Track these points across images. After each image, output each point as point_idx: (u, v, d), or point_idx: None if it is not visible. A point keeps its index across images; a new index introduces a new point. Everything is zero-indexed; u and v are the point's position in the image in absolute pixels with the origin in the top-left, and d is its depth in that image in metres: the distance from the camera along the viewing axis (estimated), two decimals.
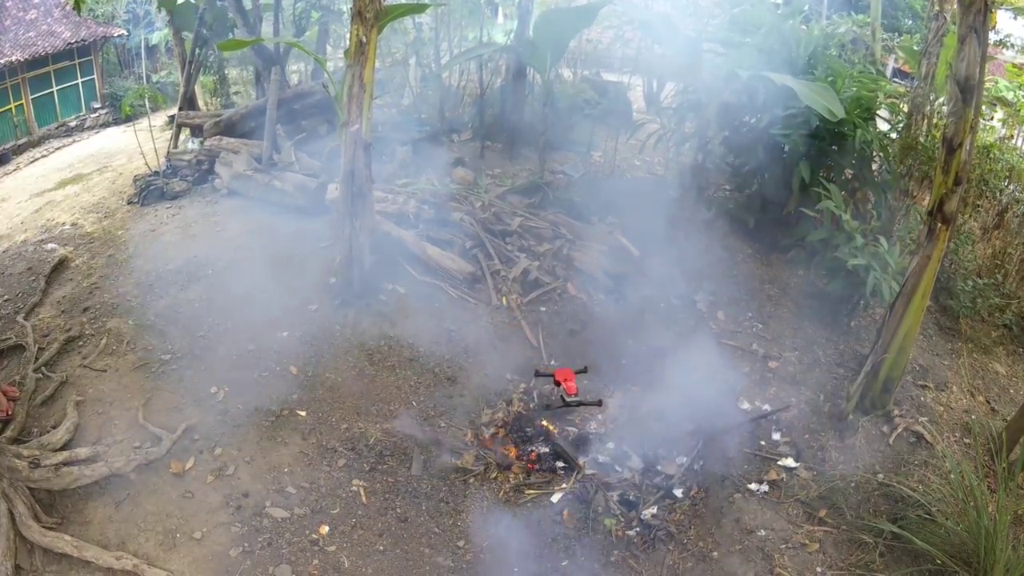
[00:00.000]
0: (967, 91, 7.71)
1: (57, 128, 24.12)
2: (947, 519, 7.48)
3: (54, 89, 24.04)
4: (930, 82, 12.07)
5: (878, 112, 12.46)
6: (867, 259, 9.95)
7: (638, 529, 8.44)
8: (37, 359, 9.66)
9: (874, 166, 12.12)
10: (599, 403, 9.73)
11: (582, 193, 14.31)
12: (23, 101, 22.96)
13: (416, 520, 8.31)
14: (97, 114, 25.26)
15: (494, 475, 9.09)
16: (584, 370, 10.15)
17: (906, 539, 7.48)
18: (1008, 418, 9.44)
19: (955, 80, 7.76)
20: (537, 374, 10.18)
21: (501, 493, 8.84)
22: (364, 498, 8.45)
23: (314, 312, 10.65)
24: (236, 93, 21.89)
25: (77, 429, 8.58)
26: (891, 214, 11.69)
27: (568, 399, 9.26)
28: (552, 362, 10.96)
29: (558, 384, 9.44)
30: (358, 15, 9.57)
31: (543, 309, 11.68)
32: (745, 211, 13.06)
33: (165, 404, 9.06)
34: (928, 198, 8.91)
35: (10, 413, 8.64)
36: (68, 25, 23.90)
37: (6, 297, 11.27)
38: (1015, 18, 17.76)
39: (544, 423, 9.97)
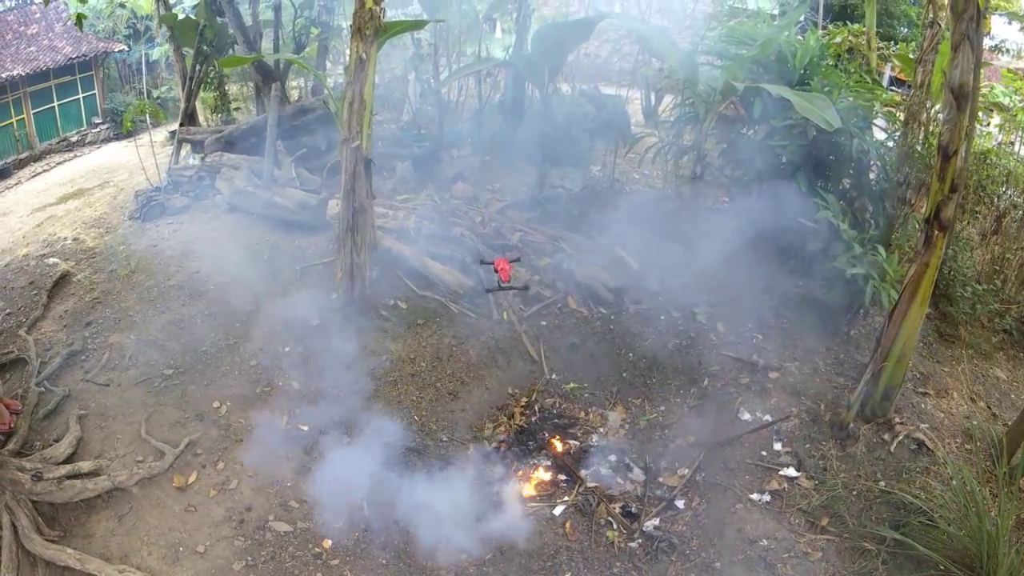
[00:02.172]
0: (961, 98, 7.77)
1: (58, 143, 24.20)
2: (949, 525, 7.49)
3: (55, 104, 24.15)
4: (926, 90, 12.11)
5: (875, 121, 12.52)
6: (866, 268, 9.99)
7: (640, 540, 8.44)
8: (39, 373, 9.70)
9: (871, 175, 12.16)
10: (526, 288, 11.39)
11: (581, 207, 14.35)
12: (24, 115, 23.07)
13: (418, 534, 8.31)
14: (98, 129, 25.34)
15: (497, 488, 9.09)
16: (517, 259, 11.37)
17: (909, 546, 7.49)
18: (1009, 423, 9.45)
19: (949, 87, 7.82)
20: (481, 262, 11.38)
21: (504, 506, 8.84)
22: (367, 511, 8.46)
23: (316, 327, 10.68)
24: (236, 109, 21.97)
25: (80, 443, 8.62)
26: (889, 222, 11.72)
27: (502, 284, 10.37)
28: (554, 376, 11.00)
29: (496, 271, 10.41)
30: (358, 31, 9.65)
31: (544, 323, 11.71)
32: (743, 222, 13.08)
33: (168, 418, 9.09)
34: (926, 205, 8.96)
35: (12, 426, 8.69)
36: (69, 40, 24.06)
37: (8, 311, 11.30)
38: (1010, 23, 17.85)
39: (546, 435, 9.98)
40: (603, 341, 11.48)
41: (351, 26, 9.88)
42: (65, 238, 13.78)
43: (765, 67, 12.02)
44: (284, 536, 8.00)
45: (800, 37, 14.24)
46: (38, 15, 24.04)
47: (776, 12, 19.55)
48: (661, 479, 9.37)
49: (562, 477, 9.40)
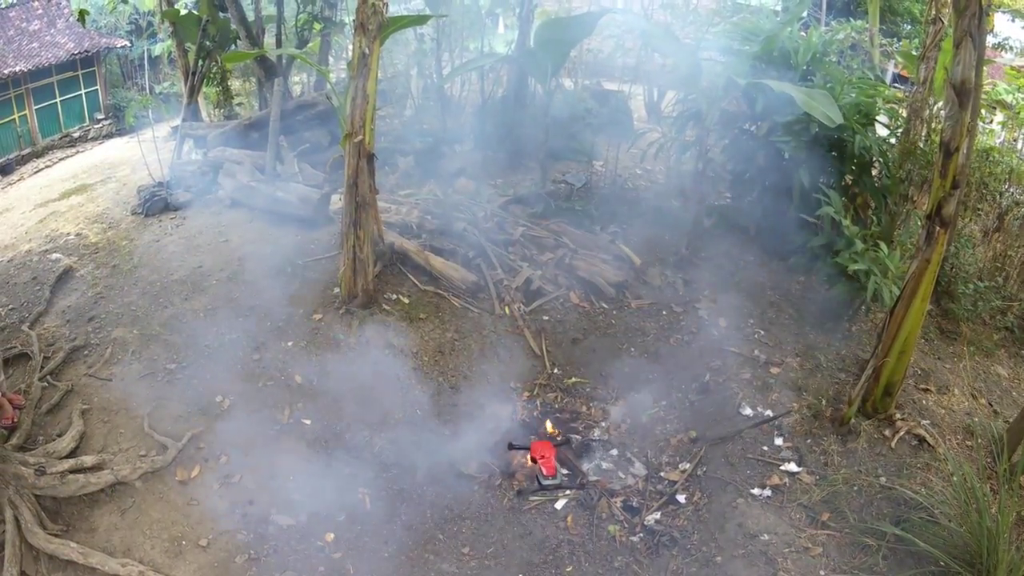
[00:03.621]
0: (963, 95, 7.75)
1: (60, 139, 24.25)
2: (950, 521, 7.49)
3: (57, 100, 24.19)
4: (928, 87, 12.12)
5: (877, 118, 12.52)
6: (867, 264, 9.98)
7: (642, 535, 8.45)
8: (42, 368, 9.72)
9: (874, 171, 12.16)
10: (583, 486, 8.98)
11: (584, 202, 14.38)
12: (26, 111, 23.12)
13: (421, 527, 8.35)
14: (100, 125, 25.39)
15: (498, 482, 9.12)
16: (567, 441, 9.55)
17: (909, 541, 7.49)
18: (1010, 420, 9.45)
19: (952, 84, 7.81)
20: (511, 447, 9.26)
21: (505, 500, 8.86)
22: (369, 505, 8.49)
23: (318, 322, 10.70)
24: (239, 104, 22.00)
25: (83, 437, 8.64)
26: (891, 219, 11.72)
27: (545, 481, 8.74)
28: (556, 371, 10.99)
29: (534, 461, 8.97)
30: (361, 27, 9.66)
31: (546, 318, 11.72)
32: (746, 218, 13.12)
33: (171, 413, 9.11)
34: (927, 202, 8.95)
35: (15, 421, 8.71)
36: (71, 36, 24.09)
37: (11, 307, 11.34)
38: (1013, 21, 17.84)
39: (548, 428, 9.99)
40: (605, 336, 11.49)
41: (354, 21, 9.89)
42: (68, 233, 13.81)
43: (768, 63, 12.02)
44: (286, 529, 8.03)
45: (803, 33, 14.23)
46: (40, 11, 24.05)
47: (779, 8, 19.55)
48: (662, 473, 9.38)
49: (564, 471, 9.41)
